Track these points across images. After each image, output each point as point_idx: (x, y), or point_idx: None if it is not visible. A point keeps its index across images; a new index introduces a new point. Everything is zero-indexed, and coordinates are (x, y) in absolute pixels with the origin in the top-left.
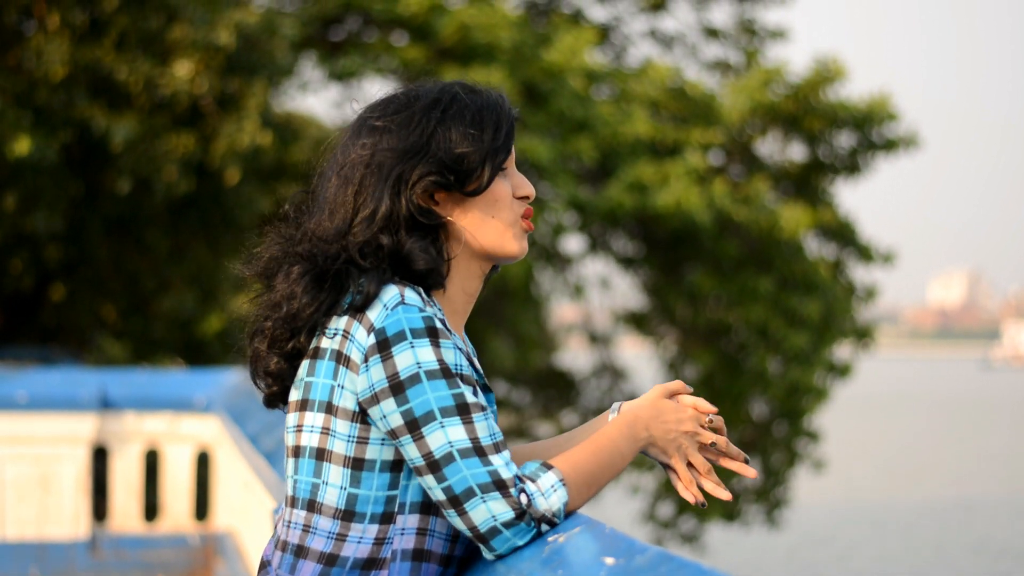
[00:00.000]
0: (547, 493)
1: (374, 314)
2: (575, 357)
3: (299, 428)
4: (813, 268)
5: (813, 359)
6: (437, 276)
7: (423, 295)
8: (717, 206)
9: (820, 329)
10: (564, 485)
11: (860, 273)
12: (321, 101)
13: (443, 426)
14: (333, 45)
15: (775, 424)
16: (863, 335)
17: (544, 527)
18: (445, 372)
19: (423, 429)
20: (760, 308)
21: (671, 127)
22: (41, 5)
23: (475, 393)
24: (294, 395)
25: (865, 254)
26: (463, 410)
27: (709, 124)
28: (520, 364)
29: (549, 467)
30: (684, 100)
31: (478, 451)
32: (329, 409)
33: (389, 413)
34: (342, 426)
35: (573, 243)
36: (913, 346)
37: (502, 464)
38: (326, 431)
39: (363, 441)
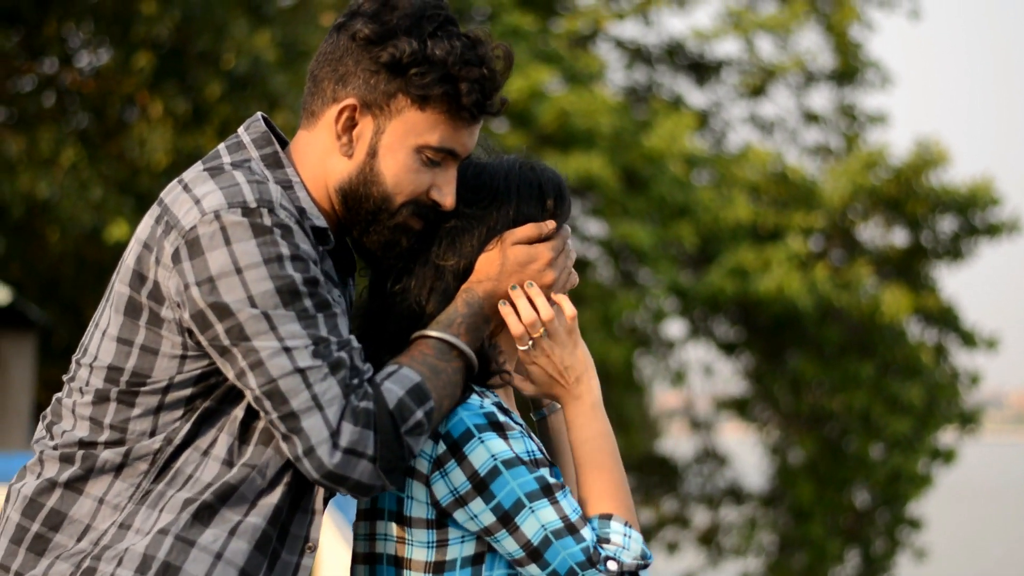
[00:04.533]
0: (626, 544)
1: None
2: (677, 443)
3: (371, 536)
4: (915, 353)
5: (916, 445)
6: (499, 375)
7: (474, 388)
8: (819, 291)
9: (923, 415)
10: (629, 526)
11: (963, 358)
12: None
13: (533, 511)
14: None
15: (878, 512)
16: (968, 420)
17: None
18: (520, 458)
19: (516, 519)
20: (862, 394)
21: (772, 212)
22: (144, 94)
23: (552, 473)
24: (362, 503)
25: (968, 339)
26: (547, 491)
27: (810, 208)
28: (624, 450)
29: (608, 516)
30: (785, 184)
31: (570, 529)
32: (400, 519)
33: (479, 512)
34: (419, 535)
35: (675, 328)
36: (1018, 432)
37: (591, 539)
38: (402, 540)
39: (443, 544)
